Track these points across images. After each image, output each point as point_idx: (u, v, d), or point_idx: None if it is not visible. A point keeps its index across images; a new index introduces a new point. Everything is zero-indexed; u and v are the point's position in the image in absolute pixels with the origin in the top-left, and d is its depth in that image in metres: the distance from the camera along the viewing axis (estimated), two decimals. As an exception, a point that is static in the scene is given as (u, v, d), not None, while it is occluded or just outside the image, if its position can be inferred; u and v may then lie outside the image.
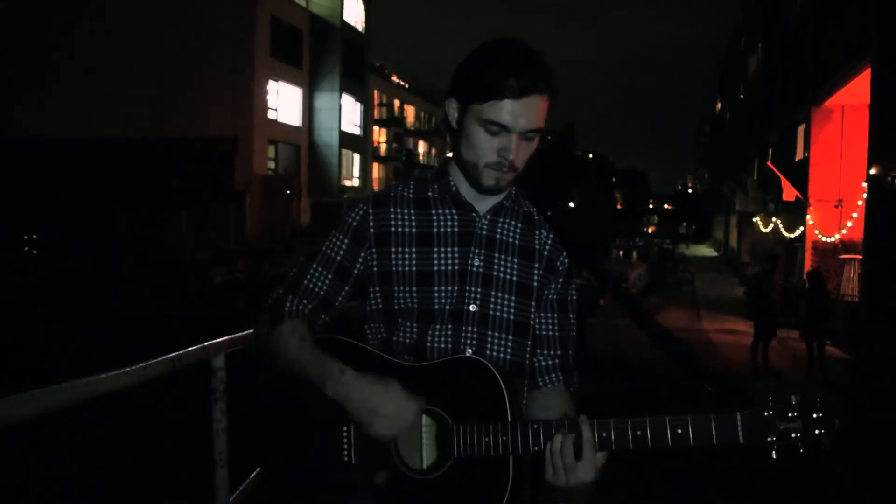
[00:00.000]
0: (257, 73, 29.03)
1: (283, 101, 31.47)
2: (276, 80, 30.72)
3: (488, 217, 1.52)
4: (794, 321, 11.54)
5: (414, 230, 1.50)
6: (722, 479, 5.08)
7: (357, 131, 37.31)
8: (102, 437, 5.84)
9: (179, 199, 21.57)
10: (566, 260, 1.57)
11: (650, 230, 79.78)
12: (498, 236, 1.52)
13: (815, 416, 1.26)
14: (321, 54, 33.72)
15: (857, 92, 13.12)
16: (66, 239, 19.23)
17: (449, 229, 1.50)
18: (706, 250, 51.89)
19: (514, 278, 1.51)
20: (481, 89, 1.39)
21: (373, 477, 1.38)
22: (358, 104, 37.18)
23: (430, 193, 1.53)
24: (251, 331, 3.05)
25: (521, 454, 1.33)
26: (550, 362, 1.55)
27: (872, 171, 10.80)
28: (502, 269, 1.50)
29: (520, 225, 1.55)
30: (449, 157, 1.57)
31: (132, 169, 23.92)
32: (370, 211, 1.51)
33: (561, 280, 1.56)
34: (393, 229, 1.50)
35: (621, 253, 43.05)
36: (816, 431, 1.25)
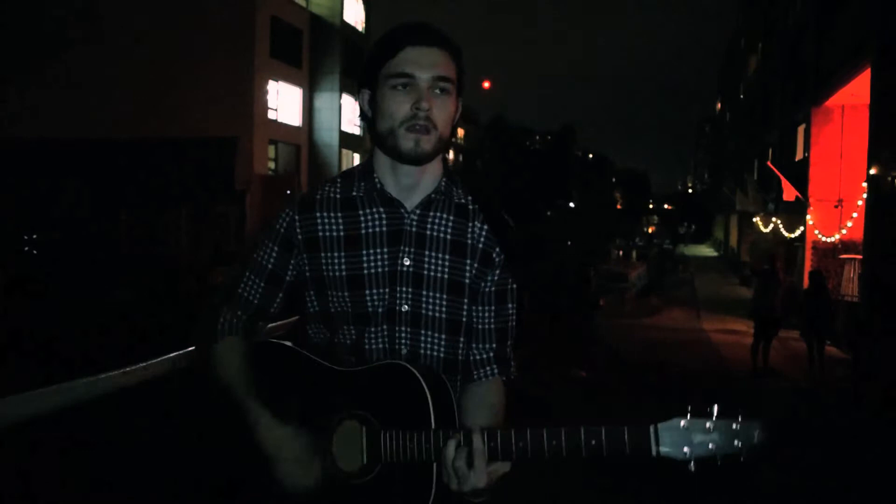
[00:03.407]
0: (257, 73, 29.02)
1: (283, 101, 31.46)
2: (276, 80, 30.71)
3: (417, 212, 1.49)
4: (795, 321, 11.54)
5: (342, 233, 1.48)
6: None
7: (357, 131, 37.27)
8: (102, 437, 5.84)
9: (179, 199, 21.54)
10: (502, 251, 1.55)
11: (650, 230, 79.68)
12: (428, 232, 1.49)
13: (734, 426, 1.23)
14: (321, 54, 33.70)
15: (857, 92, 13.11)
16: (67, 239, 19.21)
17: (377, 229, 1.49)
18: (706, 250, 51.87)
19: (446, 276, 1.49)
20: (382, 50, 1.43)
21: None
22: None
23: (355, 193, 1.51)
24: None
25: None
26: (485, 356, 1.54)
27: (872, 171, 10.80)
28: (433, 267, 1.49)
29: (451, 218, 1.51)
30: (372, 155, 1.55)
31: (132, 169, 23.88)
32: (296, 217, 1.50)
33: (498, 272, 1.53)
34: (321, 234, 1.49)
35: (621, 253, 43.06)
36: (736, 443, 1.23)
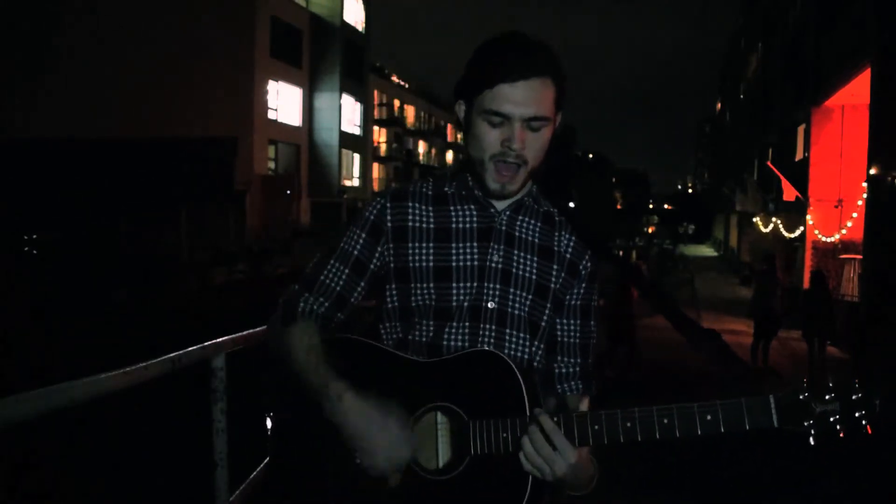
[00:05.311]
0: (257, 73, 29.03)
1: (283, 101, 31.47)
2: (276, 80, 30.72)
3: (507, 213, 1.49)
4: (795, 321, 11.54)
5: (432, 226, 1.47)
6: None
7: (357, 131, 37.31)
8: (103, 437, 5.84)
9: (179, 200, 21.55)
10: (589, 264, 1.52)
11: (650, 230, 79.76)
12: (517, 233, 1.49)
13: (853, 397, 1.17)
14: (321, 54, 33.72)
15: (857, 92, 13.11)
16: (66, 239, 19.22)
17: (468, 225, 1.47)
18: (706, 250, 51.88)
19: (534, 277, 1.47)
20: (478, 80, 1.38)
21: (387, 480, 1.34)
22: (358, 104, 37.18)
23: (447, 190, 1.51)
24: (251, 331, 3.07)
25: None
26: (571, 370, 1.51)
27: (872, 171, 10.80)
28: (521, 266, 1.47)
29: (539, 224, 1.51)
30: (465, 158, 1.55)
31: (132, 169, 23.87)
32: (388, 205, 1.48)
33: (584, 285, 1.52)
34: (411, 224, 1.47)
35: (621, 253, 43.09)
36: (857, 414, 1.16)
